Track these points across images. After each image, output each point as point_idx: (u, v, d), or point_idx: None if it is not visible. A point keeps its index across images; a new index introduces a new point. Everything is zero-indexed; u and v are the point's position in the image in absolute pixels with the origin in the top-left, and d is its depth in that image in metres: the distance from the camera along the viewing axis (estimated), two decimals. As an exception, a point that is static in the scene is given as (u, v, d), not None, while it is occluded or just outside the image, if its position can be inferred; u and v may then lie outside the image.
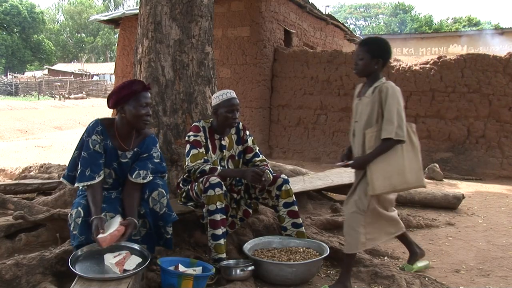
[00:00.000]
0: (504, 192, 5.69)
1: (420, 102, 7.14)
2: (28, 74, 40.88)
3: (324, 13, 10.84)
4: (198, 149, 2.80)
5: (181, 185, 2.98)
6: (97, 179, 2.41)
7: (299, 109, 8.23)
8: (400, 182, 2.38)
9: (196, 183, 2.74)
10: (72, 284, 2.03)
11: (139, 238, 2.50)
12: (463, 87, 6.87)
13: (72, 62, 48.13)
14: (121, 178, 2.54)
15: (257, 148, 3.08)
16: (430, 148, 7.14)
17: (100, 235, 2.17)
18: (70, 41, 51.72)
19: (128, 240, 2.36)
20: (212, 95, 3.29)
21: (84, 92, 32.03)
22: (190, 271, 2.41)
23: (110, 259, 2.18)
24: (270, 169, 2.97)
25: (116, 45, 14.46)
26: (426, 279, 2.62)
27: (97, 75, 40.18)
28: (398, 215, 3.94)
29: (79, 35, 52.14)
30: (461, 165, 6.91)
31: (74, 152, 2.55)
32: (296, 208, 2.89)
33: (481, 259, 3.19)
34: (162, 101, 3.55)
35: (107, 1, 53.26)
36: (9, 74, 38.96)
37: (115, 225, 2.24)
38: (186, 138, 2.88)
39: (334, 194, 4.91)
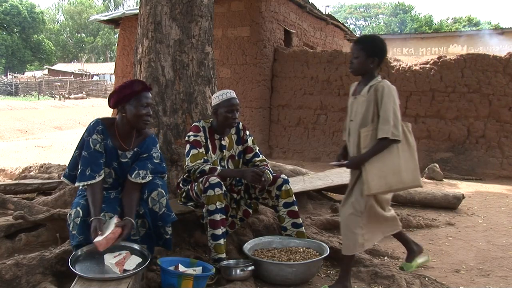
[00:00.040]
0: (504, 192, 5.69)
1: (420, 102, 7.14)
2: (28, 74, 40.90)
3: (324, 13, 10.85)
4: (198, 149, 2.80)
5: (181, 185, 2.98)
6: (98, 179, 2.41)
7: (299, 109, 8.24)
8: (396, 182, 2.35)
9: (196, 183, 2.74)
10: (72, 284, 2.03)
11: (138, 238, 2.50)
12: (463, 87, 6.88)
13: (72, 62, 48.15)
14: (121, 178, 2.54)
15: (257, 148, 3.08)
16: (430, 148, 7.14)
17: (96, 239, 2.16)
18: (70, 41, 51.72)
19: (128, 240, 2.36)
20: (212, 95, 3.29)
21: (84, 92, 32.04)
22: (190, 271, 2.41)
23: (110, 259, 2.18)
24: (270, 169, 2.97)
25: (116, 45, 14.46)
26: (426, 279, 2.62)
27: (97, 75, 40.19)
28: (398, 215, 3.96)
29: (79, 35, 52.15)
30: (461, 165, 6.92)
31: (74, 151, 2.55)
32: (296, 208, 2.89)
33: (481, 259, 3.19)
34: (162, 101, 3.55)
35: (107, 1, 53.27)
36: (9, 74, 38.97)
37: (111, 227, 2.23)
38: (186, 138, 2.88)
39: (334, 194, 4.91)
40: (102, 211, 2.36)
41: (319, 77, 8.00)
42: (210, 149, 2.88)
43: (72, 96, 29.49)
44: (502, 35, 15.43)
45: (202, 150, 2.81)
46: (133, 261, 2.21)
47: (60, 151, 8.86)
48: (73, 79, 34.46)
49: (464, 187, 5.88)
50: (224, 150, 2.94)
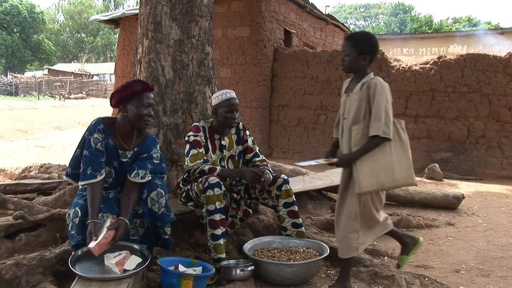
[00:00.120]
0: (504, 192, 5.69)
1: (420, 102, 7.14)
2: (28, 74, 40.90)
3: (324, 13, 10.85)
4: (198, 149, 2.80)
5: (181, 185, 2.98)
6: (99, 178, 2.41)
7: (299, 109, 8.24)
8: (389, 180, 2.29)
9: (195, 183, 2.74)
10: (72, 284, 2.03)
11: (137, 238, 2.50)
12: (463, 87, 6.88)
13: (72, 62, 48.15)
14: (121, 177, 2.54)
15: (257, 148, 3.08)
16: (430, 148, 7.15)
17: (90, 245, 2.15)
18: (70, 41, 51.73)
19: (126, 239, 2.36)
20: (212, 95, 3.29)
21: (84, 92, 32.05)
22: (190, 271, 2.41)
23: (110, 259, 2.18)
24: (270, 169, 2.97)
25: (116, 45, 14.46)
26: (426, 279, 2.62)
27: (97, 75, 40.20)
28: (398, 215, 3.97)
29: (79, 35, 52.16)
30: (461, 165, 6.92)
31: (75, 150, 2.55)
32: (296, 208, 2.89)
33: (481, 259, 3.19)
34: (162, 101, 3.55)
35: (107, 1, 53.28)
36: (9, 74, 38.96)
37: (103, 231, 2.20)
38: (186, 138, 2.88)
39: (334, 194, 4.90)
40: (100, 211, 2.36)
41: (319, 77, 8.00)
42: (210, 149, 2.88)
43: (72, 96, 29.49)
44: (502, 35, 15.44)
45: (202, 150, 2.81)
46: (133, 261, 2.21)
47: (60, 151, 8.86)
48: (73, 79, 34.46)
49: (464, 187, 5.88)
50: (224, 150, 2.94)
